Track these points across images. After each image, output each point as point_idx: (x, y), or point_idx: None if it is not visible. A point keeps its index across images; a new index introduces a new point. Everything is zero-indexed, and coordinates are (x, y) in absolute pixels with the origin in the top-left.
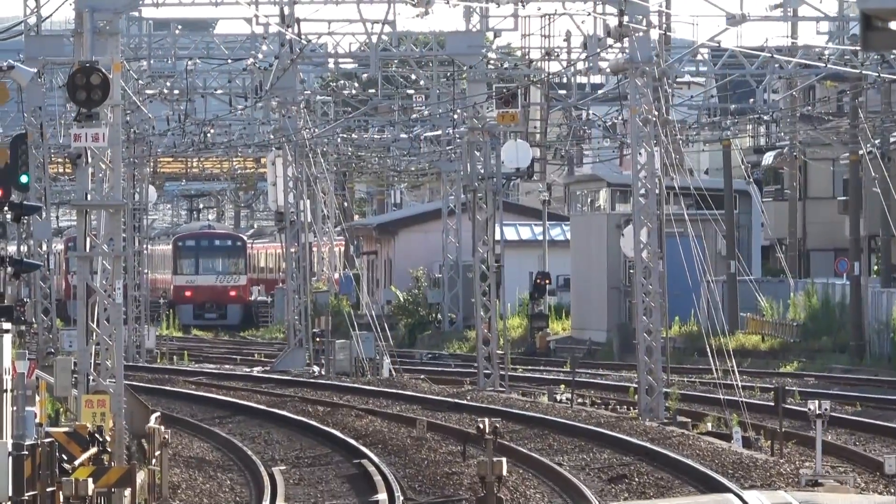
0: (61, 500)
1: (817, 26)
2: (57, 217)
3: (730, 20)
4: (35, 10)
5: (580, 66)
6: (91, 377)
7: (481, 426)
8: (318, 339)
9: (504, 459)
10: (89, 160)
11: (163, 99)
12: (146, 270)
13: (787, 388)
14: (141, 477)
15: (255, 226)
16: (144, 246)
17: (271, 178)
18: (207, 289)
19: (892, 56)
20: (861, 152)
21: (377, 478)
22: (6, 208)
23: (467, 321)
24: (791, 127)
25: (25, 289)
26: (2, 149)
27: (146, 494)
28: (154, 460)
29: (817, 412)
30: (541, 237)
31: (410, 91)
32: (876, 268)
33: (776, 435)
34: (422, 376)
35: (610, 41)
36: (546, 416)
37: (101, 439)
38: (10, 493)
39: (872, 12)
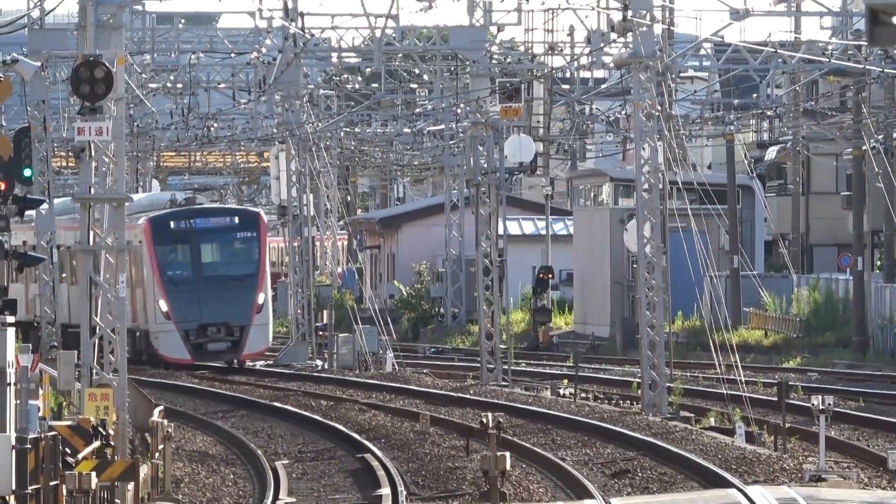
0: (64, 493)
1: (821, 21)
2: None
3: (733, 15)
4: (38, 3)
5: (584, 60)
6: (94, 371)
7: (484, 420)
8: (321, 333)
9: (507, 454)
10: (93, 154)
11: (166, 93)
12: None
13: (790, 383)
14: (144, 471)
15: None
16: None
17: (274, 172)
18: None
19: (895, 51)
20: (864, 147)
21: (380, 472)
22: (10, 201)
23: (470, 315)
24: (794, 122)
25: None
26: (5, 142)
27: (149, 488)
28: (157, 454)
29: (820, 407)
30: (544, 232)
31: (414, 85)
32: (879, 263)
33: (779, 430)
34: (425, 370)
35: (613, 36)
36: (549, 411)
37: (104, 433)
38: (14, 487)
39: (879, 7)
